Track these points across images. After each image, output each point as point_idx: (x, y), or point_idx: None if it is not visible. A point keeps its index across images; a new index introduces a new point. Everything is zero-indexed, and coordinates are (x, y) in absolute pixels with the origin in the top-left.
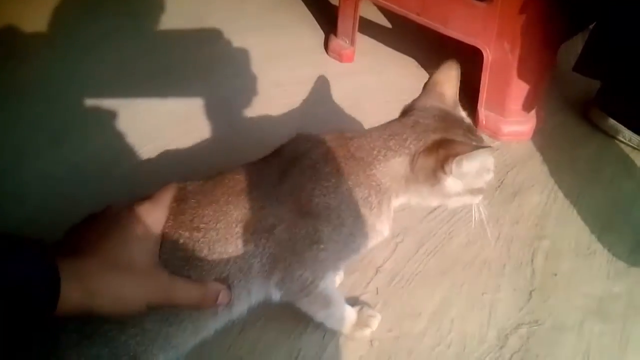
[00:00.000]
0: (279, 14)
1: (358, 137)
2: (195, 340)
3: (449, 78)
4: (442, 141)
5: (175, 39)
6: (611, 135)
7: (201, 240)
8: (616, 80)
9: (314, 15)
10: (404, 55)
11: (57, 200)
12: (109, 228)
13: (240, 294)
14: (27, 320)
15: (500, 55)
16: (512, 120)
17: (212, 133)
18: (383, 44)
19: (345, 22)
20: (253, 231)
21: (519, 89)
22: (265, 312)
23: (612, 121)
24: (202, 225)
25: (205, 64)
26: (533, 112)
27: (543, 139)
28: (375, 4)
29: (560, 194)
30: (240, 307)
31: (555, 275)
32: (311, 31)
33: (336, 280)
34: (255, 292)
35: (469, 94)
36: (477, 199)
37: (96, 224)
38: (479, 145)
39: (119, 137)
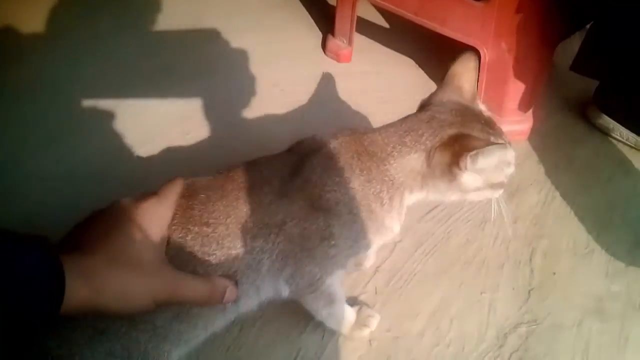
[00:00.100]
0: (277, 14)
1: (372, 132)
2: (206, 335)
3: (467, 70)
4: (458, 136)
5: (174, 39)
6: (605, 133)
7: (210, 235)
8: (614, 79)
9: (311, 16)
10: (402, 55)
11: (56, 200)
12: (114, 225)
13: (249, 290)
14: (32, 319)
15: (497, 54)
16: (510, 119)
17: (210, 133)
18: (380, 43)
19: (342, 22)
20: (263, 226)
21: (517, 89)
22: (265, 312)
23: (606, 118)
24: (211, 220)
25: (204, 64)
26: (530, 112)
27: (541, 139)
28: (372, 4)
29: (558, 194)
30: (250, 303)
31: (554, 274)
32: (309, 31)
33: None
34: (265, 288)
35: None
36: (498, 193)
37: (101, 221)
38: (493, 141)
39: (117, 137)
